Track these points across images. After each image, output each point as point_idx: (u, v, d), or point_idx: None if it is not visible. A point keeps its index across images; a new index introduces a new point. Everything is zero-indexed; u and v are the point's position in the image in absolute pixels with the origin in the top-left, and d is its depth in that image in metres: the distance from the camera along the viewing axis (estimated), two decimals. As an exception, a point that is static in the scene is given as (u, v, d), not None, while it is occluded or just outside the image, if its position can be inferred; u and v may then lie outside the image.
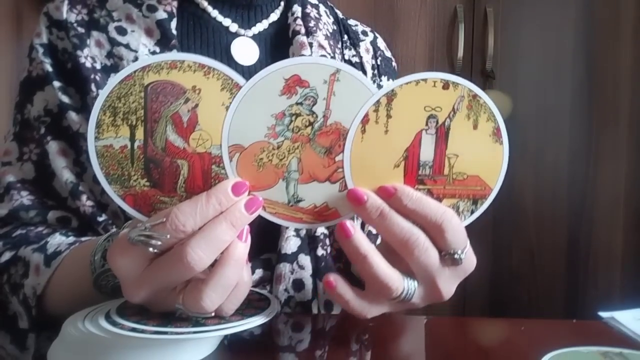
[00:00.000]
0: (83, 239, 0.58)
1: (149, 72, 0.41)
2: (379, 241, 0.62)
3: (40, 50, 0.64)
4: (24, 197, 0.62)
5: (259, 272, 0.60)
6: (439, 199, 0.44)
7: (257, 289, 0.52)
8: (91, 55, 0.63)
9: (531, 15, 1.42)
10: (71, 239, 0.58)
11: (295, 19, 0.69)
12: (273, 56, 0.67)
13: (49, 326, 0.53)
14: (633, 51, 1.42)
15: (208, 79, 0.41)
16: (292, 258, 0.59)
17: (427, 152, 0.44)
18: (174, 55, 0.41)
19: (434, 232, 0.43)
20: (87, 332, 0.41)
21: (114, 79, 0.41)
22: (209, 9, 0.67)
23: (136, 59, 0.62)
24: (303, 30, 0.68)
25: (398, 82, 0.43)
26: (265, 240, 0.59)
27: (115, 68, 0.63)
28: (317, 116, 0.42)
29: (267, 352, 0.48)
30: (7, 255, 0.58)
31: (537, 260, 1.45)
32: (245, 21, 0.68)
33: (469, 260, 0.45)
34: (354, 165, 0.43)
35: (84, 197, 0.60)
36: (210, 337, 0.44)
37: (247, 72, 0.65)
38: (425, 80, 0.43)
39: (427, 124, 0.43)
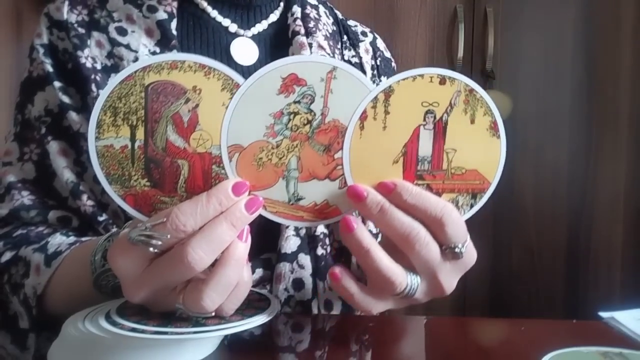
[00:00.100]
0: (83, 239, 0.58)
1: (149, 73, 0.41)
2: (378, 240, 0.62)
3: (41, 50, 0.64)
4: (25, 197, 0.62)
5: (259, 272, 0.60)
6: (438, 194, 0.44)
7: (257, 289, 0.52)
8: (91, 55, 0.63)
9: (531, 15, 1.42)
10: (72, 238, 0.58)
11: (294, 20, 0.69)
12: (272, 56, 0.67)
13: (49, 326, 0.53)
14: (633, 51, 1.42)
15: (209, 79, 0.41)
16: (292, 257, 0.59)
17: (425, 148, 0.44)
18: (175, 55, 0.41)
19: (435, 226, 0.43)
20: (87, 332, 0.41)
21: (115, 79, 0.41)
22: (209, 9, 0.67)
23: (136, 59, 0.62)
24: (303, 31, 0.68)
25: (395, 78, 0.43)
26: (265, 239, 0.59)
27: (115, 68, 0.63)
28: (315, 114, 0.42)
29: (267, 352, 0.48)
30: (8, 255, 0.58)
31: (537, 259, 1.45)
32: (244, 21, 0.69)
33: (470, 254, 0.46)
34: (353, 162, 0.43)
35: (84, 197, 0.60)
36: (211, 337, 0.44)
37: (247, 72, 0.64)
38: (422, 75, 0.43)
39: (424, 120, 0.43)
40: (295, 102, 0.42)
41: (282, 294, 0.59)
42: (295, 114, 0.42)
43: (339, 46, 0.72)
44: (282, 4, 0.72)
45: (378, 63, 0.76)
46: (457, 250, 0.44)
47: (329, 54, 0.68)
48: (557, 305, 1.45)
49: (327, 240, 0.62)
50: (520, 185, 1.43)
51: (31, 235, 0.60)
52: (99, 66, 0.63)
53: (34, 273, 0.54)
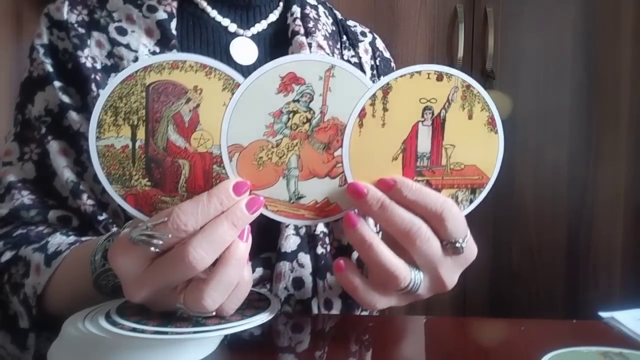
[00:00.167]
0: (84, 238, 0.58)
1: (150, 72, 0.41)
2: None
3: (41, 50, 0.64)
4: (25, 197, 0.62)
5: (259, 271, 0.60)
6: (438, 190, 0.45)
7: (257, 289, 0.52)
8: (91, 55, 0.63)
9: (531, 15, 1.42)
10: (72, 238, 0.58)
11: (294, 20, 0.69)
12: (272, 56, 0.67)
13: (49, 326, 0.53)
14: (633, 51, 1.42)
15: (210, 79, 0.41)
16: (292, 256, 0.59)
17: (424, 144, 0.44)
18: (176, 55, 0.41)
19: (435, 221, 0.43)
20: (87, 332, 0.41)
21: (116, 79, 0.41)
22: (208, 9, 0.67)
23: (136, 58, 0.62)
24: (302, 31, 0.68)
25: (393, 75, 0.43)
26: (265, 239, 0.59)
27: (115, 68, 0.63)
28: (314, 112, 0.43)
29: (267, 352, 0.48)
30: (8, 255, 0.58)
31: (537, 259, 1.45)
32: (244, 21, 0.69)
33: (470, 249, 0.46)
34: (352, 159, 0.43)
35: (84, 196, 0.60)
36: (211, 337, 0.44)
37: (246, 72, 0.64)
38: (419, 72, 0.43)
39: (423, 116, 0.44)
40: (294, 101, 0.42)
41: (282, 292, 0.59)
42: (295, 112, 0.42)
43: (338, 46, 0.72)
44: (281, 4, 0.72)
45: (377, 63, 0.76)
46: (457, 245, 0.44)
47: (328, 54, 0.68)
48: (557, 305, 1.45)
49: (326, 239, 0.62)
50: (520, 185, 1.43)
51: (31, 235, 0.60)
52: (98, 66, 0.63)
53: (34, 273, 0.54)
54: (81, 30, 0.64)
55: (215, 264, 0.40)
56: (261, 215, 0.42)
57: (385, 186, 0.43)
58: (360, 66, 0.73)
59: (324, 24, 0.72)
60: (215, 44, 0.67)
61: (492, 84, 1.40)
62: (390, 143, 0.44)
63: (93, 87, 0.61)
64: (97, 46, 0.63)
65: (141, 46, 0.63)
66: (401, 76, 0.43)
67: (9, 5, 1.34)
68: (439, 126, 0.44)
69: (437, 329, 0.54)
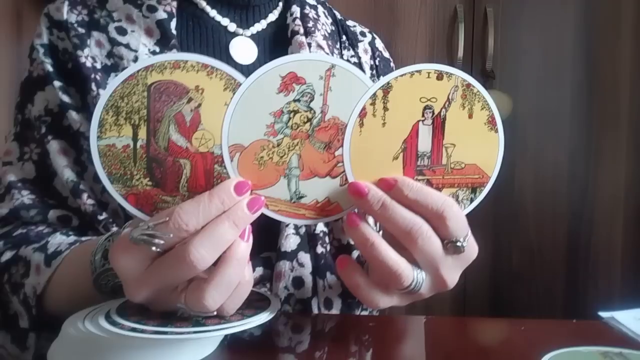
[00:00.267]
0: (84, 238, 0.58)
1: (152, 72, 0.41)
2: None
3: (41, 50, 0.64)
4: (25, 197, 0.62)
5: (259, 270, 0.60)
6: (438, 189, 0.45)
7: (257, 289, 0.52)
8: (91, 55, 0.63)
9: (531, 15, 1.42)
10: (72, 238, 0.58)
11: (294, 19, 0.69)
12: (271, 56, 0.67)
13: (49, 326, 0.53)
14: (633, 51, 1.42)
15: (211, 78, 0.41)
16: (292, 256, 0.60)
17: (424, 143, 0.44)
18: (177, 55, 0.41)
19: (436, 220, 0.43)
20: (87, 332, 0.41)
21: (117, 79, 0.41)
22: (208, 8, 0.67)
23: (136, 58, 0.62)
24: (302, 31, 0.68)
25: (393, 75, 0.43)
26: (265, 238, 0.59)
27: (115, 68, 0.63)
28: (315, 112, 0.43)
29: (267, 352, 0.48)
30: (8, 255, 0.58)
31: (537, 259, 1.45)
32: (243, 21, 0.69)
33: (471, 248, 0.46)
34: (353, 158, 0.43)
35: (84, 196, 0.60)
36: (211, 337, 0.44)
37: (246, 72, 0.64)
38: (419, 71, 0.43)
39: (423, 115, 0.44)
40: (295, 101, 0.42)
41: (282, 292, 0.59)
42: (295, 112, 0.42)
43: (337, 46, 0.72)
44: (280, 3, 0.72)
45: (377, 63, 0.76)
46: (458, 244, 0.44)
47: (327, 54, 0.68)
48: (557, 305, 1.45)
49: (326, 239, 0.62)
50: (521, 185, 1.43)
51: (31, 235, 0.60)
52: (98, 66, 0.63)
53: (34, 273, 0.54)
54: (81, 30, 0.64)
55: (216, 263, 0.40)
56: (262, 214, 0.42)
57: (386, 185, 0.43)
58: (359, 66, 0.73)
59: (323, 24, 0.72)
60: (215, 44, 0.67)
61: (492, 84, 1.41)
62: (390, 142, 0.44)
63: (93, 86, 0.61)
64: (97, 46, 0.63)
65: (141, 46, 0.63)
66: (401, 75, 0.43)
67: (9, 5, 1.34)
68: (439, 125, 0.44)
69: (437, 329, 0.54)
